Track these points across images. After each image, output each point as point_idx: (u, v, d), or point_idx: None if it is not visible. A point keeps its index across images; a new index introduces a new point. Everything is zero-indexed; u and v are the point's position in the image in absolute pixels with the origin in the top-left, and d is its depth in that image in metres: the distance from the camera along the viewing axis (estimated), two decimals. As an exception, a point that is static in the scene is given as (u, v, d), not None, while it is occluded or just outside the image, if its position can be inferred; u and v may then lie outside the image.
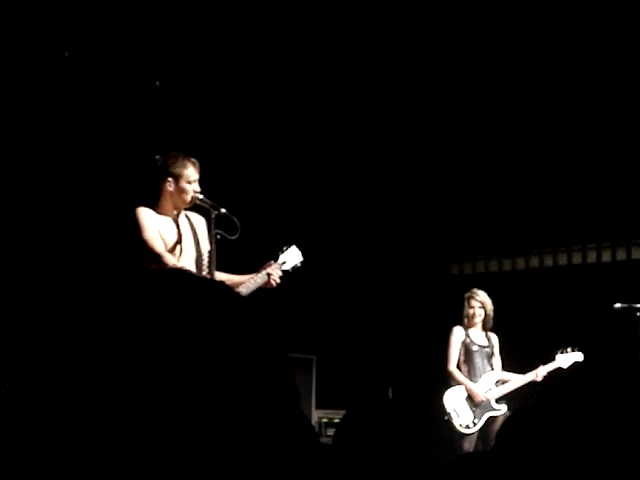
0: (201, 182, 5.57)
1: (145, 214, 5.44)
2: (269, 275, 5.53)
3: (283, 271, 5.64)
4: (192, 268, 5.52)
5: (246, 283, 5.52)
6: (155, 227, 5.43)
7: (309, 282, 9.14)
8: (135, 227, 5.39)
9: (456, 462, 2.32)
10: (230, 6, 7.99)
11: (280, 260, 5.69)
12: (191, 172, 5.46)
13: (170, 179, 5.45)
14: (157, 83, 7.81)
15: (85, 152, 7.69)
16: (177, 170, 5.45)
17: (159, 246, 5.37)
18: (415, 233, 9.71)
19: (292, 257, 5.77)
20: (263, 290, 5.51)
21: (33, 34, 7.29)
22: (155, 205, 5.53)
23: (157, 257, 5.33)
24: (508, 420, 2.22)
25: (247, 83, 8.53)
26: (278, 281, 5.56)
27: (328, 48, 8.55)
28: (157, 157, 5.57)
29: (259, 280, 5.52)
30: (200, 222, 5.63)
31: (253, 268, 5.59)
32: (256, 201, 8.31)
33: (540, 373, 7.45)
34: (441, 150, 9.54)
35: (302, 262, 5.77)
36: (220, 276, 5.62)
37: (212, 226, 5.50)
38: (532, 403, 2.18)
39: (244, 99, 8.58)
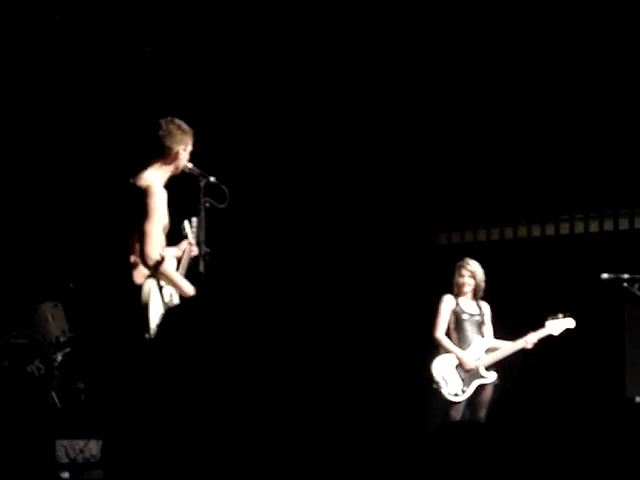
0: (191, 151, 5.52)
1: (163, 195, 5.23)
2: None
3: None
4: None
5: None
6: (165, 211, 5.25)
7: (297, 252, 9.15)
8: (147, 207, 5.14)
9: (441, 431, 2.29)
10: None
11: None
12: (188, 140, 5.38)
13: (166, 146, 5.35)
14: (148, 48, 7.75)
15: (81, 120, 7.67)
16: (175, 137, 5.34)
17: (158, 247, 5.13)
18: (402, 203, 9.68)
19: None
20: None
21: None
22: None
23: (145, 257, 5.10)
24: (504, 394, 2.21)
25: (244, 57, 8.54)
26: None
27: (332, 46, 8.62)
28: (161, 121, 5.42)
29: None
30: None
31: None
32: (241, 170, 8.30)
33: (530, 340, 7.45)
34: (429, 118, 9.51)
35: None
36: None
37: (201, 194, 5.46)
38: (526, 378, 2.16)
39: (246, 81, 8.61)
